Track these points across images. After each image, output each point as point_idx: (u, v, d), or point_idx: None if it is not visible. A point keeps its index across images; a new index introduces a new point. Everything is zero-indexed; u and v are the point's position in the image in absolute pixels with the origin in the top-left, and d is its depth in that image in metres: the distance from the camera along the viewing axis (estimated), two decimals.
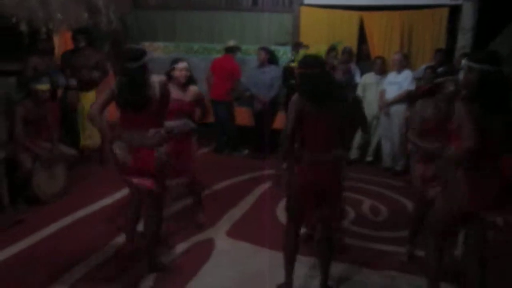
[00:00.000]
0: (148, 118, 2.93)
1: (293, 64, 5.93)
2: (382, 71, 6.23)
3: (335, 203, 2.80)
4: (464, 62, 2.55)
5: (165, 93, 3.00)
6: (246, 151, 6.71)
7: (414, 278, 3.22)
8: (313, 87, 2.63)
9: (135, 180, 2.93)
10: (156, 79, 2.98)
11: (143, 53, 2.95)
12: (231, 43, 6.57)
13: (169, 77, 3.75)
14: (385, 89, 6.05)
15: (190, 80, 3.83)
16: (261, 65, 6.46)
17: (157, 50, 7.50)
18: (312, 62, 2.71)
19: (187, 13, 7.72)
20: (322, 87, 2.65)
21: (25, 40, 5.21)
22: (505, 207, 2.49)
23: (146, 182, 2.92)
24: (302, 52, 5.68)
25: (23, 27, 4.78)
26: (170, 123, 3.62)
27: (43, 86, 4.50)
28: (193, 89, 3.83)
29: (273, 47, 6.92)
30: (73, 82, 5.47)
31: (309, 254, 3.36)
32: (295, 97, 2.69)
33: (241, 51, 6.75)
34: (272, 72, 6.41)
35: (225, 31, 7.51)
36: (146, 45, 7.47)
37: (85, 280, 3.07)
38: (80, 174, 5.17)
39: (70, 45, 5.97)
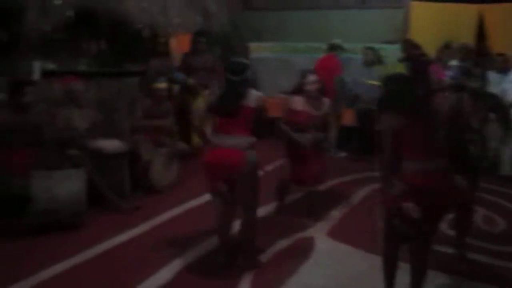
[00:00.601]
0: (238, 125, 3.06)
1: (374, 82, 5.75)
2: (504, 69, 5.70)
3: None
4: None
5: (259, 107, 3.11)
6: (343, 154, 6.61)
7: None
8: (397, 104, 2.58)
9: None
10: (255, 93, 3.11)
11: (246, 67, 3.08)
12: (336, 41, 6.49)
13: (300, 90, 3.89)
14: (507, 88, 5.53)
15: (322, 91, 3.94)
16: (367, 64, 6.28)
17: (264, 50, 7.70)
18: (394, 81, 2.70)
19: (294, 13, 7.82)
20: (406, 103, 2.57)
21: (146, 44, 5.74)
22: None
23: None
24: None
25: (146, 32, 5.25)
26: (299, 135, 3.86)
27: (161, 85, 4.90)
28: (326, 101, 3.95)
29: (379, 46, 6.70)
30: (192, 81, 5.86)
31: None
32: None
33: (346, 50, 6.62)
34: (377, 72, 6.20)
35: (331, 30, 7.45)
36: (253, 45, 7.76)
37: (190, 269, 3.27)
38: (191, 168, 5.53)
39: (185, 47, 6.38)
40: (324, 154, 4.09)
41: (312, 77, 3.88)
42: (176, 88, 6.07)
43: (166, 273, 3.17)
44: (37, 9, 4.02)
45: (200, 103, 5.97)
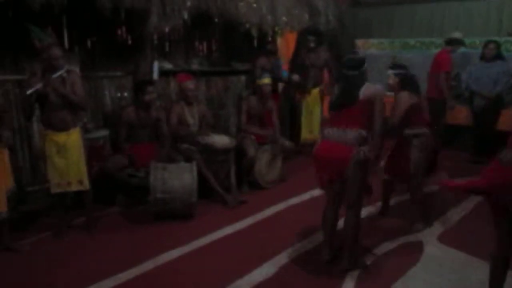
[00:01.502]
0: (350, 118, 2.99)
1: None
2: None
3: None
4: None
5: (372, 100, 2.98)
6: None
7: None
8: None
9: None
10: (372, 87, 3.00)
11: (363, 62, 3.04)
12: (455, 35, 5.98)
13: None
14: None
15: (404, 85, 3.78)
16: (487, 59, 5.75)
17: (371, 47, 7.47)
18: None
19: (406, 7, 7.47)
20: None
21: (254, 43, 5.91)
22: None
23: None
24: None
25: (254, 31, 5.40)
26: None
27: (265, 80, 5.01)
28: (402, 95, 3.77)
29: (504, 39, 6.09)
30: (296, 77, 5.90)
31: None
32: None
33: (465, 43, 6.10)
34: (498, 67, 5.64)
35: (446, 23, 6.99)
36: (360, 42, 7.57)
37: (293, 264, 3.28)
38: (296, 164, 5.57)
39: (292, 46, 6.45)
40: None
41: (388, 72, 3.82)
42: (281, 86, 6.17)
43: (270, 267, 3.23)
44: (159, 13, 4.33)
45: (311, 100, 6.01)
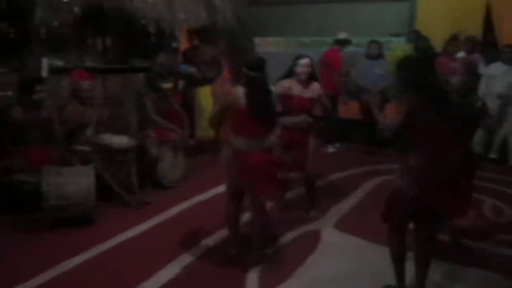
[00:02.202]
0: (264, 126, 3.06)
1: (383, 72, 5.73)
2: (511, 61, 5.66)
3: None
4: None
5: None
6: (338, 145, 6.62)
7: None
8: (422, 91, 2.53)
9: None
10: (274, 89, 3.12)
11: (263, 62, 3.04)
12: (342, 35, 6.49)
13: (291, 72, 3.88)
14: None
15: (312, 76, 3.89)
16: (371, 57, 6.28)
17: (268, 45, 7.69)
18: (412, 64, 2.65)
19: (299, 7, 7.80)
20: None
21: (152, 39, 5.76)
22: None
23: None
24: (396, 52, 5.41)
25: (151, 28, 5.27)
26: (289, 119, 3.80)
27: (168, 85, 4.93)
28: (315, 86, 3.89)
29: (385, 39, 6.68)
30: (193, 70, 5.87)
31: None
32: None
33: (352, 43, 6.61)
34: (383, 65, 6.19)
35: (336, 24, 7.42)
36: (258, 40, 7.75)
37: (199, 262, 3.30)
38: (197, 162, 5.56)
39: (190, 43, 6.42)
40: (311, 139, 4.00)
41: (303, 61, 3.83)
42: (181, 83, 6.10)
43: (175, 267, 3.20)
44: (45, 5, 4.03)
45: (203, 97, 6.03)
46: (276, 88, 3.52)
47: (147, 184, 4.79)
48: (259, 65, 3.02)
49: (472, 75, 3.14)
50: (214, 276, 3.13)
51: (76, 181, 3.82)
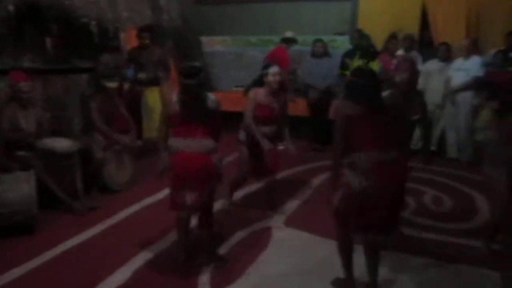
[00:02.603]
0: (201, 129, 3.05)
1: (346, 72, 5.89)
2: (447, 58, 5.98)
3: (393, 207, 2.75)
4: None
5: (215, 110, 3.10)
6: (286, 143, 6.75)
7: (482, 272, 3.15)
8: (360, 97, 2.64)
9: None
10: (211, 96, 3.11)
11: (199, 70, 3.05)
12: (288, 34, 6.60)
13: (262, 82, 3.90)
14: (451, 76, 5.81)
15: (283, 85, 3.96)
16: (317, 56, 6.43)
17: (216, 44, 7.68)
18: (361, 73, 2.75)
19: (245, 6, 7.83)
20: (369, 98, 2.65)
21: (95, 39, 5.58)
22: None
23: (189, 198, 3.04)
24: (357, 62, 5.60)
25: (93, 27, 5.10)
26: (261, 129, 3.86)
27: (113, 84, 4.79)
28: (284, 95, 3.97)
29: (330, 37, 6.86)
30: (142, 75, 5.74)
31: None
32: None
33: (298, 42, 6.74)
34: (327, 64, 6.38)
35: (282, 23, 7.53)
36: (205, 39, 7.72)
37: (149, 267, 3.24)
38: (145, 164, 5.45)
39: (135, 42, 6.26)
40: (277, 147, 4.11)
41: (274, 69, 3.87)
42: (126, 85, 5.95)
43: (124, 273, 3.13)
44: None
45: (150, 98, 5.90)
46: (251, 97, 3.75)
47: (93, 189, 4.64)
48: (193, 72, 3.01)
49: (415, 72, 3.29)
50: (166, 280, 3.09)
51: (16, 188, 3.64)
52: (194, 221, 3.32)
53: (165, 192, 4.55)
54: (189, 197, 3.02)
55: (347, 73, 5.81)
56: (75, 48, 5.66)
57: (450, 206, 4.40)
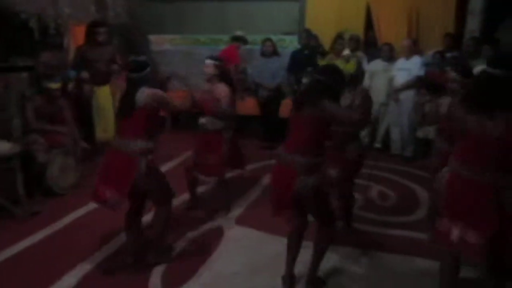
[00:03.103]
0: (131, 126, 2.99)
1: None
2: (390, 58, 6.21)
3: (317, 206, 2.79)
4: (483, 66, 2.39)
5: (150, 104, 2.99)
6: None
7: (422, 262, 3.30)
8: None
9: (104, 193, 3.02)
10: (147, 90, 2.99)
11: (145, 65, 3.02)
12: (238, 33, 6.63)
13: None
14: (394, 75, 6.04)
15: (222, 78, 3.88)
16: (266, 55, 6.49)
17: (164, 43, 7.56)
18: (327, 71, 2.78)
19: (194, 4, 7.76)
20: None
21: (35, 36, 5.32)
22: (468, 221, 2.29)
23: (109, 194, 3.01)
24: (327, 59, 5.75)
25: (33, 23, 4.87)
26: (200, 120, 3.85)
27: (55, 85, 4.60)
28: (221, 86, 3.87)
29: (279, 37, 6.95)
30: (85, 75, 5.53)
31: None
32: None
33: (248, 41, 6.78)
34: (277, 63, 6.45)
35: (232, 22, 7.54)
36: (153, 37, 7.58)
37: (96, 272, 3.15)
38: (94, 166, 5.27)
39: (80, 40, 6.02)
40: (233, 140, 4.06)
41: (208, 61, 3.85)
42: (71, 84, 5.72)
43: (72, 278, 3.03)
44: None
45: (101, 97, 5.71)
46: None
47: (36, 193, 4.44)
48: (138, 66, 2.98)
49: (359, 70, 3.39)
50: (116, 283, 3.02)
51: None
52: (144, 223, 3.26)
53: None
54: (109, 192, 2.98)
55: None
56: (14, 46, 5.37)
57: (395, 200, 4.59)
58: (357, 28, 6.87)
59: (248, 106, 6.79)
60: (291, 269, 2.93)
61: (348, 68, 3.56)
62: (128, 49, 6.34)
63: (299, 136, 2.68)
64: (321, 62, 5.92)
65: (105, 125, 5.65)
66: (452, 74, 3.26)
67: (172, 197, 3.23)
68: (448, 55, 5.80)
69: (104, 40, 5.58)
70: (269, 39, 6.57)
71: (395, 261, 3.34)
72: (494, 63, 2.28)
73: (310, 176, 2.64)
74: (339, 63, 3.69)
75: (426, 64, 5.96)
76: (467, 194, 2.32)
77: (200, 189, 4.57)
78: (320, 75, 2.73)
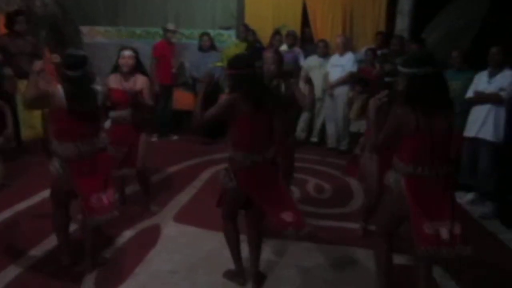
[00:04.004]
0: (93, 127, 2.88)
1: (220, 64, 6.00)
2: (325, 54, 6.37)
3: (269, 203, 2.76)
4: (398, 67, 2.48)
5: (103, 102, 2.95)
6: (175, 137, 6.71)
7: (358, 251, 3.43)
8: (246, 88, 2.65)
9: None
10: (99, 88, 2.91)
11: (84, 60, 2.82)
12: (169, 26, 6.52)
13: (117, 66, 3.72)
14: (329, 71, 6.21)
15: (138, 68, 3.76)
16: (204, 49, 6.44)
17: (97, 35, 7.26)
18: (241, 63, 2.72)
19: None
20: (255, 87, 2.68)
21: None
22: (446, 218, 2.37)
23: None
24: (227, 52, 5.73)
25: None
26: (113, 114, 3.67)
27: None
28: (139, 79, 3.75)
29: (217, 31, 6.91)
30: (8, 71, 5.16)
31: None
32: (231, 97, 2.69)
33: (184, 35, 6.70)
34: (215, 57, 6.42)
35: (170, 15, 7.38)
36: (85, 29, 7.26)
37: (26, 276, 2.98)
38: (20, 165, 4.98)
39: (1, 30, 5.64)
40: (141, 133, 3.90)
41: (125, 52, 3.74)
42: None
43: None
44: None
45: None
46: (103, 83, 3.37)
47: None
48: (78, 63, 2.78)
49: (279, 64, 3.37)
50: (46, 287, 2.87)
51: None
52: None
53: (41, 195, 4.23)
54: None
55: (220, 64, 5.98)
56: None
57: (330, 193, 4.73)
58: (294, 24, 6.99)
59: (186, 101, 6.71)
60: (241, 263, 2.94)
61: None
62: (57, 42, 6.02)
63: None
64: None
65: (32, 122, 5.33)
66: (379, 71, 3.41)
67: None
68: (379, 52, 6.05)
69: (22, 30, 5.23)
70: (207, 34, 6.52)
71: (333, 251, 3.44)
72: (409, 63, 2.35)
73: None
74: None
75: (359, 61, 6.18)
76: (431, 192, 2.38)
77: (134, 188, 4.45)
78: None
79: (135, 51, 3.81)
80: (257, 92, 2.69)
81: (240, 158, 2.69)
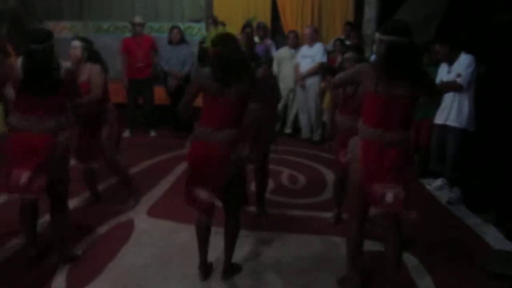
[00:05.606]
0: (51, 104, 2.78)
1: (206, 45, 5.92)
2: (295, 45, 6.40)
3: (234, 186, 2.78)
4: (376, 34, 2.52)
5: (69, 81, 2.86)
6: (153, 133, 6.64)
7: (332, 239, 3.47)
8: (225, 66, 2.62)
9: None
10: (63, 65, 2.84)
11: (49, 34, 2.78)
12: (137, 20, 6.38)
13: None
14: (299, 62, 6.23)
15: (90, 58, 3.68)
16: (174, 43, 6.36)
17: (63, 30, 7.07)
18: (225, 40, 2.69)
19: None
20: (235, 65, 2.64)
21: None
22: (399, 181, 2.43)
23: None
24: (213, 31, 5.64)
25: None
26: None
27: None
28: (87, 67, 3.65)
29: (187, 24, 6.83)
30: None
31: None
32: (201, 72, 2.69)
33: (153, 28, 6.61)
34: (184, 50, 6.35)
35: (138, 9, 7.25)
36: (51, 24, 7.05)
37: None
38: None
39: None
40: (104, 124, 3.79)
41: (74, 43, 3.67)
42: None
43: None
44: None
45: None
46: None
47: None
48: (42, 36, 2.73)
49: (251, 48, 3.41)
50: (16, 285, 2.79)
51: None
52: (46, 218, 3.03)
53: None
54: (24, 178, 2.66)
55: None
56: None
57: (304, 183, 4.76)
58: (265, 16, 6.97)
59: (158, 95, 6.62)
60: (205, 257, 2.91)
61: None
62: (19, 38, 5.83)
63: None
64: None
65: None
66: (347, 55, 3.46)
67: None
68: (348, 42, 6.11)
69: None
70: (176, 27, 6.44)
71: (308, 241, 3.46)
72: (388, 31, 2.42)
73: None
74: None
75: (328, 52, 6.23)
76: (383, 156, 2.45)
77: (110, 182, 4.37)
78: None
79: (88, 41, 3.74)
80: (223, 71, 2.64)
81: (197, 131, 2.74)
